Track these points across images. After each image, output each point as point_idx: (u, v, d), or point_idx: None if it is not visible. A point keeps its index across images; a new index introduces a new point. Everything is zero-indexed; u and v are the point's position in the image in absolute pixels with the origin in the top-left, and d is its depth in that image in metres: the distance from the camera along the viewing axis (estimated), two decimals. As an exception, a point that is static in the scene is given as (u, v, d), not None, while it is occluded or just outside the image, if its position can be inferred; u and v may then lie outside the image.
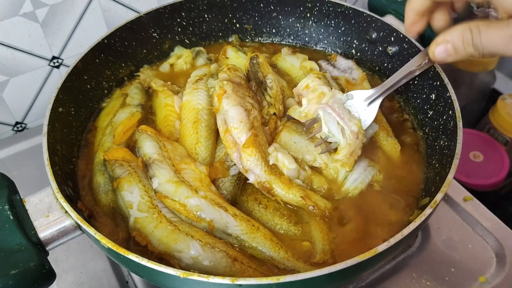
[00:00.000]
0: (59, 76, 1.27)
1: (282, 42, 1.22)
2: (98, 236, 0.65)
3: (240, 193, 0.83)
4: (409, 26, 0.84)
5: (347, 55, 1.13)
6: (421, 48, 0.94)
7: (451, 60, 0.73)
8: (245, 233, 0.73)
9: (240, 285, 0.58)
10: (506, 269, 0.93)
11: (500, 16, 0.67)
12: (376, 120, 0.90)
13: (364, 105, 0.87)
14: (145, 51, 1.13)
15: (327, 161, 0.83)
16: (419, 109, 0.96)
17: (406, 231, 0.64)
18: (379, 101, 0.87)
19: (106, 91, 1.05)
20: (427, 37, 1.01)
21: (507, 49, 0.65)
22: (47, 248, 0.70)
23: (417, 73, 0.86)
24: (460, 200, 1.05)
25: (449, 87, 0.85)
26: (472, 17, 0.73)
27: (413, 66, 0.85)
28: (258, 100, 0.89)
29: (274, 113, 0.89)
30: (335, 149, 0.82)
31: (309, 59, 1.08)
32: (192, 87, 0.94)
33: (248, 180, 0.80)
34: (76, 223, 0.70)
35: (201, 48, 1.15)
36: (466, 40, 0.68)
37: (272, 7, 1.17)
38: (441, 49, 0.72)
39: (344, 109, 0.82)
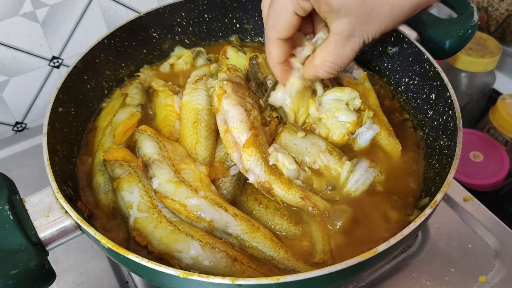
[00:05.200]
0: (59, 76, 1.28)
1: (282, 42, 1.22)
2: (98, 236, 0.65)
3: (240, 193, 0.83)
4: (282, 78, 0.84)
5: (347, 55, 1.13)
6: (421, 48, 0.94)
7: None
8: (245, 233, 0.73)
9: (240, 285, 0.58)
10: (506, 269, 0.93)
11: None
12: (378, 121, 0.90)
13: None
14: (145, 51, 1.13)
15: (328, 163, 0.83)
16: (419, 109, 0.96)
17: (406, 231, 0.64)
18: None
19: (106, 91, 1.05)
20: (427, 37, 1.01)
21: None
22: (47, 248, 0.70)
23: None
24: (460, 200, 1.05)
25: (449, 87, 0.85)
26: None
27: None
28: (258, 100, 0.89)
29: (277, 117, 0.89)
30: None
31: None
32: (191, 87, 0.94)
33: (248, 180, 0.80)
34: (76, 223, 0.70)
35: (201, 49, 1.15)
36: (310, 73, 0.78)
37: (272, 7, 1.17)
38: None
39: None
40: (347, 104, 0.88)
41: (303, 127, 0.88)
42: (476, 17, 0.98)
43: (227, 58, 1.10)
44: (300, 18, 0.74)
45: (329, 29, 0.72)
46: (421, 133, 0.94)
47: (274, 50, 0.78)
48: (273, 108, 0.90)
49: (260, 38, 1.22)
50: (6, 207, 0.68)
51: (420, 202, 0.81)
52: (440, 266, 0.93)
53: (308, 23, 0.82)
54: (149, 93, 1.02)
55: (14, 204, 0.70)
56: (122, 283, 0.93)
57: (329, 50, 0.73)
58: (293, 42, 0.80)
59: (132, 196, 0.77)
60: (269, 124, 0.88)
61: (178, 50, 1.16)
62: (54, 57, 1.24)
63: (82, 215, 0.72)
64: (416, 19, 1.02)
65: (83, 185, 0.86)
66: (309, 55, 0.79)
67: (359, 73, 1.02)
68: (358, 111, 0.90)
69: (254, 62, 0.97)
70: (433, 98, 0.91)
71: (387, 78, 1.06)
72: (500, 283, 0.91)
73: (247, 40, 1.22)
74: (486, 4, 1.64)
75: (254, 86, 0.93)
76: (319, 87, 0.87)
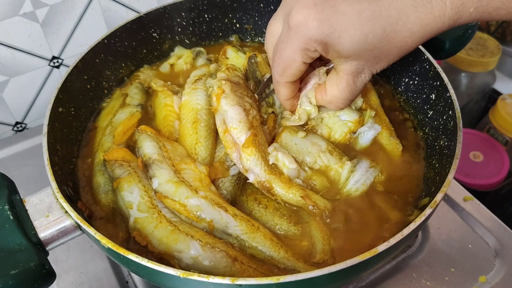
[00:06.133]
0: (59, 76, 1.28)
1: (282, 42, 1.22)
2: (98, 236, 0.65)
3: (240, 193, 0.83)
4: (292, 109, 0.85)
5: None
6: (421, 48, 0.94)
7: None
8: (245, 233, 0.73)
9: (240, 285, 0.58)
10: (506, 269, 0.93)
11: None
12: (379, 121, 0.90)
13: None
14: (145, 51, 1.13)
15: (328, 163, 0.83)
16: (419, 109, 0.96)
17: (406, 231, 0.64)
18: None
19: (106, 91, 1.05)
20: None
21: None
22: (47, 248, 0.70)
23: None
24: (460, 200, 1.05)
25: (449, 87, 0.85)
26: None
27: None
28: (256, 100, 0.89)
29: (273, 112, 0.89)
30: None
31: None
32: (191, 87, 0.94)
33: (248, 180, 0.80)
34: (76, 223, 0.70)
35: (201, 49, 1.15)
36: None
37: (272, 7, 1.17)
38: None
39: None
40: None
41: (305, 128, 0.88)
42: (476, 17, 0.98)
43: (227, 58, 1.09)
44: (308, 64, 0.73)
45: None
46: (421, 133, 0.94)
47: (283, 91, 0.79)
48: (269, 104, 0.90)
49: (260, 38, 1.22)
50: (6, 207, 0.68)
51: (420, 202, 0.81)
52: (440, 266, 0.93)
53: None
54: (149, 93, 1.02)
55: (14, 204, 0.70)
56: (122, 283, 0.93)
57: (341, 89, 0.73)
58: (300, 79, 0.80)
59: (132, 196, 0.77)
60: (267, 122, 0.88)
61: (178, 50, 1.16)
62: (54, 57, 1.24)
63: (82, 215, 0.72)
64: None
65: (83, 185, 0.86)
66: (318, 84, 0.80)
67: (359, 73, 1.02)
68: (360, 110, 0.90)
69: (253, 61, 0.97)
70: (433, 98, 0.91)
71: (387, 78, 1.06)
72: (500, 283, 0.91)
73: (247, 40, 1.22)
74: (486, 4, 1.63)
75: (253, 85, 0.93)
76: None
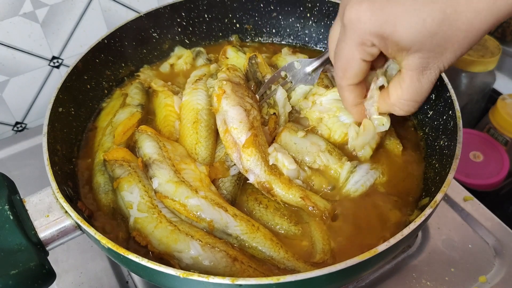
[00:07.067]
0: (59, 76, 1.28)
1: (282, 42, 1.22)
2: (98, 236, 0.65)
3: (240, 193, 0.83)
4: (361, 119, 0.81)
5: (347, 55, 1.13)
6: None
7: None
8: (245, 233, 0.73)
9: (240, 285, 0.58)
10: (506, 269, 0.93)
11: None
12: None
13: (308, 72, 0.92)
14: (145, 51, 1.13)
15: (327, 163, 0.83)
16: (419, 109, 0.96)
17: (406, 231, 0.64)
18: (320, 70, 0.92)
19: (106, 91, 1.05)
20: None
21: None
22: (47, 248, 0.70)
23: None
24: (460, 200, 1.05)
25: (449, 87, 0.85)
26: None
27: None
28: (257, 100, 0.89)
29: (274, 113, 0.89)
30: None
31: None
32: (191, 87, 0.94)
33: (248, 180, 0.80)
34: (76, 223, 0.70)
35: (201, 49, 1.15)
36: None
37: (272, 7, 1.17)
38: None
39: None
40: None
41: (306, 128, 0.88)
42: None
43: (227, 58, 1.10)
44: (369, 63, 0.69)
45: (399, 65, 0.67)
46: (421, 133, 0.94)
47: (348, 96, 0.75)
48: (270, 105, 0.90)
49: (260, 38, 1.22)
50: (6, 207, 0.68)
51: (420, 202, 0.81)
52: (440, 266, 0.93)
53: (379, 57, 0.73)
54: (149, 93, 1.02)
55: (14, 204, 0.70)
56: (122, 283, 0.93)
57: (404, 88, 0.68)
58: (365, 81, 0.76)
59: (132, 196, 0.77)
60: (267, 123, 0.88)
61: (178, 50, 1.16)
62: (54, 57, 1.24)
63: (82, 215, 0.72)
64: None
65: (83, 185, 0.86)
66: (383, 86, 0.76)
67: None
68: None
69: (254, 61, 0.97)
70: (433, 98, 0.91)
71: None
72: (500, 283, 0.91)
73: (247, 40, 1.22)
74: (486, 4, 1.63)
75: (254, 85, 0.93)
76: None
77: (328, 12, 1.13)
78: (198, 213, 0.74)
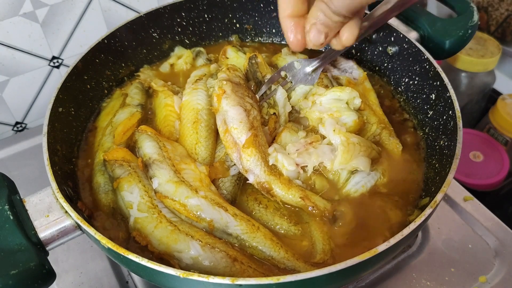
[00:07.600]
0: (59, 76, 1.28)
1: (282, 42, 1.22)
2: (98, 236, 0.65)
3: (240, 193, 0.83)
4: (289, 35, 0.74)
5: (347, 55, 1.13)
6: (421, 48, 0.94)
7: (329, 39, 0.71)
8: (245, 232, 0.73)
9: (240, 285, 0.58)
10: (506, 269, 0.93)
11: None
12: (378, 121, 0.90)
13: (308, 72, 0.92)
14: (145, 51, 1.13)
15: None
16: (419, 109, 0.96)
17: (406, 231, 0.64)
18: (320, 70, 0.92)
19: (106, 91, 1.05)
20: (427, 37, 1.01)
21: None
22: (47, 248, 0.70)
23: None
24: (460, 200, 1.05)
25: (449, 87, 0.85)
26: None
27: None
28: (257, 100, 0.89)
29: (274, 113, 0.89)
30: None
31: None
32: (191, 87, 0.94)
33: (248, 180, 0.80)
34: (76, 223, 0.70)
35: (201, 49, 1.15)
36: (326, 10, 0.67)
37: (272, 7, 1.17)
38: (314, 33, 0.70)
39: None
40: (347, 103, 0.88)
41: (306, 129, 0.88)
42: (476, 17, 0.98)
43: (227, 58, 1.10)
44: None
45: None
46: (421, 133, 0.94)
47: (282, 1, 0.72)
48: (270, 105, 0.90)
49: (260, 38, 1.22)
50: (6, 207, 0.68)
51: (420, 202, 0.81)
52: (440, 266, 0.93)
53: None
54: (149, 93, 1.02)
55: (14, 204, 0.70)
56: (122, 283, 0.93)
57: None
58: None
59: (132, 196, 0.77)
60: (268, 123, 0.88)
61: (178, 50, 1.16)
62: (54, 57, 1.24)
63: (82, 215, 0.72)
64: (416, 19, 1.02)
65: (83, 185, 0.86)
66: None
67: (359, 73, 1.02)
68: (359, 110, 0.90)
69: (254, 61, 0.97)
70: (433, 98, 0.91)
71: (387, 78, 1.06)
72: (500, 283, 0.91)
73: (247, 40, 1.22)
74: (486, 4, 1.64)
75: (254, 85, 0.93)
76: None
77: (328, 12, 1.13)
78: (198, 213, 0.74)
